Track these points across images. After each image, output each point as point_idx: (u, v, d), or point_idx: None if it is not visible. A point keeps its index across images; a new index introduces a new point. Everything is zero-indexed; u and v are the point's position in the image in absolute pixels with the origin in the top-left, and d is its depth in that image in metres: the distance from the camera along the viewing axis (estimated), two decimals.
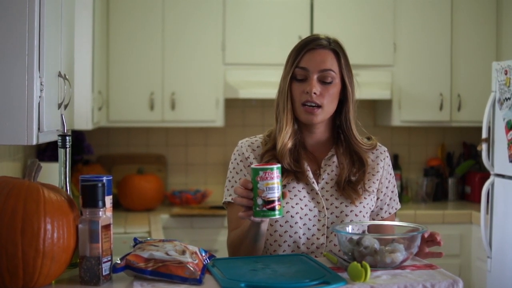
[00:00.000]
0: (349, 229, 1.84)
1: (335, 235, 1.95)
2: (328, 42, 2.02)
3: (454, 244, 4.16)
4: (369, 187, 2.03)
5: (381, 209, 2.08)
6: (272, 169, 1.72)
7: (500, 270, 3.55)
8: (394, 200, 2.11)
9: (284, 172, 1.94)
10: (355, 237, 1.72)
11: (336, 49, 2.01)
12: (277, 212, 1.72)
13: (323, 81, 1.98)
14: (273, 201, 1.71)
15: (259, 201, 1.71)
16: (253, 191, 1.73)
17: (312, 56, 1.99)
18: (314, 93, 1.96)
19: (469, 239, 4.15)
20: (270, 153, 2.02)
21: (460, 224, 4.17)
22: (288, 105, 2.01)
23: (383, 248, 1.69)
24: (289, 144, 2.00)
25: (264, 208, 1.72)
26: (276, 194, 1.72)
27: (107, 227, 1.55)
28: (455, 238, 4.16)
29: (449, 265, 3.82)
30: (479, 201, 3.79)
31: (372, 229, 1.91)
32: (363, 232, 1.87)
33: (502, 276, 3.52)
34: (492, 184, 3.63)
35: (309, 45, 2.01)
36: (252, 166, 1.75)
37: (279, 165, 1.75)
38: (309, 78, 1.98)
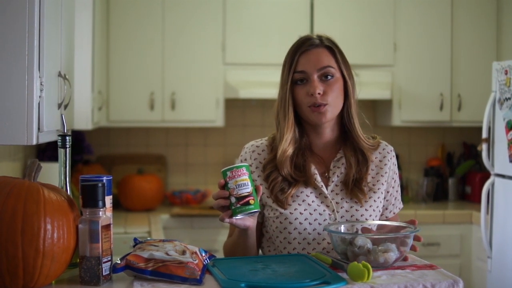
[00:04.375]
0: (342, 228, 1.84)
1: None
2: (320, 40, 2.00)
3: (454, 244, 4.16)
4: (373, 185, 2.01)
5: (386, 209, 2.07)
6: (238, 167, 1.78)
7: (500, 270, 3.54)
8: (398, 200, 2.11)
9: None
10: (348, 237, 1.72)
11: (329, 45, 2.00)
12: (252, 206, 1.77)
13: (324, 79, 1.96)
14: (245, 196, 1.76)
15: (233, 200, 1.77)
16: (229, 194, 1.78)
17: (308, 57, 1.97)
18: (318, 93, 1.94)
19: (470, 239, 4.15)
20: (272, 164, 1.99)
21: (461, 224, 4.18)
22: (290, 111, 1.97)
23: (376, 248, 1.69)
24: (289, 151, 1.96)
25: (238, 205, 1.76)
26: (246, 189, 1.76)
27: (107, 227, 1.55)
28: (455, 238, 4.16)
29: (450, 265, 3.83)
30: (479, 201, 3.79)
31: (377, 229, 1.90)
32: (356, 232, 1.85)
33: (503, 276, 3.52)
34: (492, 184, 3.63)
35: (302, 47, 1.99)
36: (222, 170, 1.80)
37: (246, 164, 1.80)
38: (310, 80, 1.96)
